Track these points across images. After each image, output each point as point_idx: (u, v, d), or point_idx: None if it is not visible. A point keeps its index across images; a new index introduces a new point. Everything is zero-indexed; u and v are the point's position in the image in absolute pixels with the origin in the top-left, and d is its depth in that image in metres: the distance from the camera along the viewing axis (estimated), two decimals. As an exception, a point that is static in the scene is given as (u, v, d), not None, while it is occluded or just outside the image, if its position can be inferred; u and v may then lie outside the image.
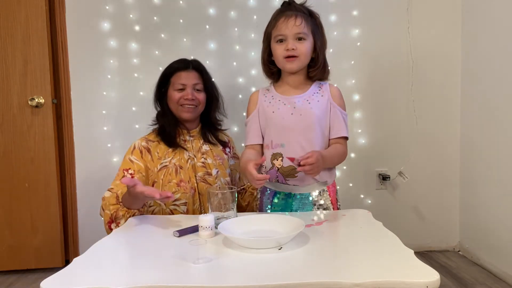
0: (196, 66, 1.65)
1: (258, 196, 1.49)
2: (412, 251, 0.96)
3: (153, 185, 1.53)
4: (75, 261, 0.95)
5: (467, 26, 2.37)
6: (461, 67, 2.43)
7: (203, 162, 1.60)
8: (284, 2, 1.40)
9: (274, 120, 1.37)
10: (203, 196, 1.56)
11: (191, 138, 1.63)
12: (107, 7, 2.25)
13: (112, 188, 1.44)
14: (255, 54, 2.27)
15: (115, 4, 2.26)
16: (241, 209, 1.68)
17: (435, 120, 2.44)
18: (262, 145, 1.44)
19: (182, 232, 1.13)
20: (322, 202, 1.40)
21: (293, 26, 1.32)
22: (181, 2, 2.29)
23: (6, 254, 2.24)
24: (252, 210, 1.64)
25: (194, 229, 1.15)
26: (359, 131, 2.42)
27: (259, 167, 1.36)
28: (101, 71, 2.28)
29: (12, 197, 2.22)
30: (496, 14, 2.12)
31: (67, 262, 2.28)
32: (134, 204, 1.33)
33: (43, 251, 2.25)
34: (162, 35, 2.29)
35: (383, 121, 2.44)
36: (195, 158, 1.59)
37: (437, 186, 2.48)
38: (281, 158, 1.35)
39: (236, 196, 1.22)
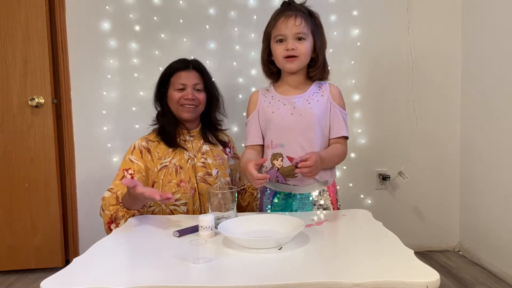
0: (196, 66, 1.64)
1: (258, 196, 1.49)
2: (412, 251, 0.96)
3: (153, 185, 1.53)
4: (75, 261, 0.95)
5: (467, 26, 2.37)
6: (461, 67, 2.43)
7: (203, 162, 1.60)
8: (283, 2, 1.40)
9: (274, 121, 1.37)
10: (203, 196, 1.56)
11: (191, 138, 1.63)
12: (107, 7, 2.25)
13: (112, 188, 1.43)
14: (255, 54, 2.27)
15: (115, 4, 2.26)
16: (241, 209, 1.68)
17: (435, 120, 2.44)
18: (262, 146, 1.44)
19: (182, 232, 1.13)
20: (322, 202, 1.40)
21: (292, 26, 1.32)
22: (181, 2, 2.29)
23: (6, 254, 2.24)
24: (252, 210, 1.64)
25: (194, 229, 1.15)
26: (359, 131, 2.42)
27: (260, 167, 1.36)
28: (101, 71, 2.28)
29: (12, 197, 2.22)
30: (496, 14, 2.12)
31: (67, 262, 2.28)
32: (134, 205, 1.33)
33: (43, 251, 2.25)
34: (162, 35, 2.29)
35: (383, 121, 2.44)
36: (195, 158, 1.59)
37: (437, 186, 2.48)
38: (281, 158, 1.35)
39: (236, 196, 1.22)
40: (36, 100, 2.17)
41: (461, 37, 2.41)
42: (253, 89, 2.14)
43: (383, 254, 0.97)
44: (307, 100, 1.37)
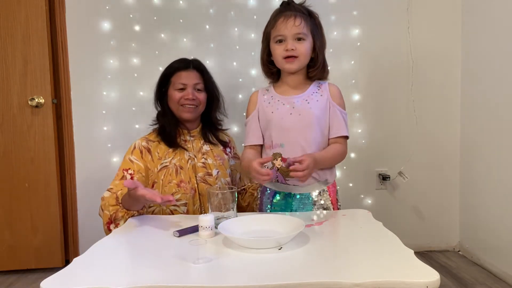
0: (196, 66, 1.64)
1: (258, 196, 1.49)
2: (412, 251, 0.96)
3: (153, 186, 1.53)
4: (75, 261, 0.95)
5: (467, 26, 2.37)
6: (461, 67, 2.43)
7: (203, 163, 1.59)
8: (283, 2, 1.40)
9: (274, 121, 1.37)
10: (203, 197, 1.56)
11: (192, 138, 1.63)
12: (107, 7, 2.25)
13: (111, 188, 1.43)
14: (255, 54, 2.26)
15: (115, 4, 2.26)
16: (241, 209, 1.67)
17: (435, 120, 2.44)
18: (261, 146, 1.44)
19: (182, 232, 1.13)
20: (322, 202, 1.40)
21: (292, 26, 1.32)
22: (181, 2, 2.29)
23: (6, 254, 2.24)
24: (252, 210, 1.64)
25: (194, 229, 1.15)
26: (359, 131, 2.42)
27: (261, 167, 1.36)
28: (101, 71, 2.28)
29: (12, 197, 2.22)
30: (496, 14, 2.12)
31: (67, 262, 2.28)
32: (134, 206, 1.33)
33: (43, 251, 2.25)
34: (162, 35, 2.29)
35: (383, 121, 2.44)
36: (195, 159, 1.59)
37: (437, 186, 2.48)
38: (280, 158, 1.35)
39: (236, 196, 1.22)
40: (36, 100, 2.18)
41: (461, 37, 2.41)
42: (253, 89, 2.13)
43: (383, 254, 0.98)
44: (306, 100, 1.37)
